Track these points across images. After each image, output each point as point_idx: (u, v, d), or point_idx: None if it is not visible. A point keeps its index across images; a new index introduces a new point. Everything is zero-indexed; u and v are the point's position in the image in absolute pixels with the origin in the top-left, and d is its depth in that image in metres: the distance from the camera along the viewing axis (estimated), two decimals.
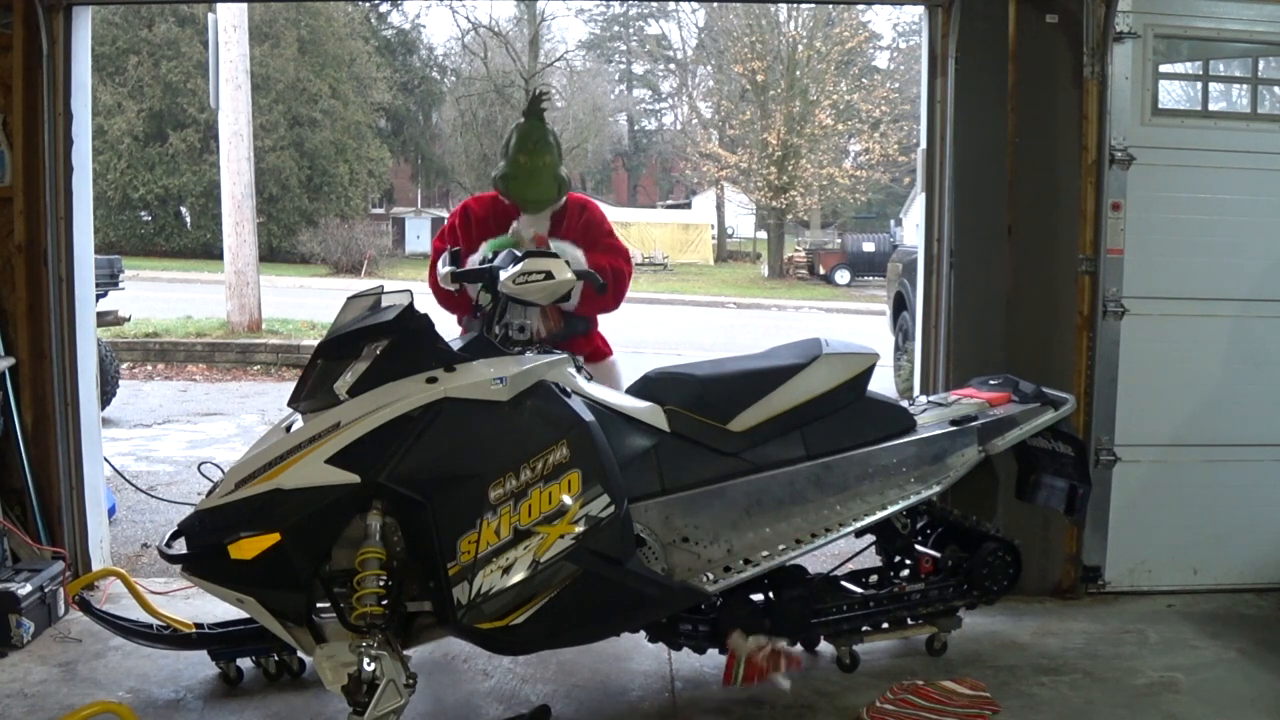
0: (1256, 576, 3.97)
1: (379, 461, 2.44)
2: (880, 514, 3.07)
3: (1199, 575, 3.97)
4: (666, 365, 3.12)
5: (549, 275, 2.78)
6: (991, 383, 3.43)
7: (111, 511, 4.43)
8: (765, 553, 2.93)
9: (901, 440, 3.12)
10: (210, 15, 11.61)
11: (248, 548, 2.42)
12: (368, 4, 30.58)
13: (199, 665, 3.21)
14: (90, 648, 3.36)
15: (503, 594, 2.50)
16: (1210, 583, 3.96)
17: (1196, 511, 3.94)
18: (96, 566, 3.90)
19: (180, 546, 2.61)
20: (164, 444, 6.96)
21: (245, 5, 12.54)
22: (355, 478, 2.42)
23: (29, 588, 3.37)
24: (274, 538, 2.42)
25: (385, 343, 2.58)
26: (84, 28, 3.87)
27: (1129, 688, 3.13)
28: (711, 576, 2.87)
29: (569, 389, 2.75)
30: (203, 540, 2.53)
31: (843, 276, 25.85)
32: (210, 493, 2.58)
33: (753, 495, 2.95)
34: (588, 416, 2.69)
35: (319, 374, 2.62)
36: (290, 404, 2.72)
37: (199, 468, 5.50)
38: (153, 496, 5.28)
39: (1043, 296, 3.87)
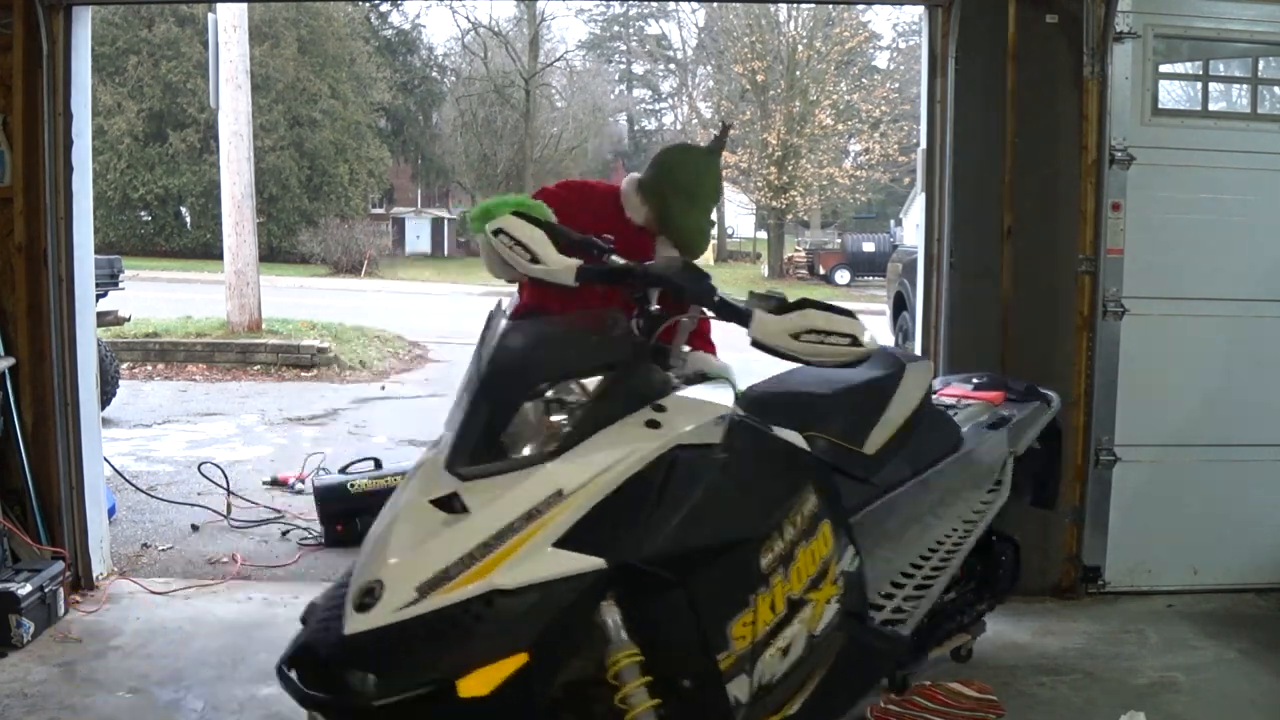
0: (1256, 576, 3.97)
1: (622, 538, 1.87)
2: (982, 526, 2.86)
3: (1199, 575, 3.96)
4: (758, 383, 2.71)
5: (854, 341, 2.07)
6: (976, 381, 3.33)
7: (111, 511, 4.43)
8: (896, 584, 2.66)
9: (969, 448, 2.90)
10: (210, 15, 11.60)
11: (484, 680, 1.72)
12: (368, 4, 30.58)
13: (199, 665, 3.21)
14: (90, 648, 3.36)
15: (784, 681, 2.09)
16: (1210, 583, 3.95)
17: (1196, 511, 3.93)
18: (97, 566, 3.90)
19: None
20: (164, 444, 6.95)
21: (245, 5, 12.53)
22: (599, 562, 1.82)
23: (29, 588, 3.37)
24: (520, 659, 1.74)
25: (603, 380, 1.98)
26: (84, 28, 3.87)
27: (1129, 688, 3.12)
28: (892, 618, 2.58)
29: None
30: (383, 670, 1.71)
31: (843, 276, 25.89)
32: (363, 607, 1.75)
33: (880, 522, 2.62)
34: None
35: (490, 423, 1.94)
36: (451, 468, 1.91)
37: (199, 468, 5.56)
38: (153, 496, 5.30)
39: (1043, 296, 3.87)
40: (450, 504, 1.86)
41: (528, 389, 1.95)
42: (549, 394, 1.95)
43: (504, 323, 2.09)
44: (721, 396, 2.17)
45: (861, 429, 2.55)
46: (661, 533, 1.89)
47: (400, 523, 1.88)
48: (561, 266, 2.24)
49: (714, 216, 2.96)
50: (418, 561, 1.78)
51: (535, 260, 2.24)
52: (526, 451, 1.91)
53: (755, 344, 2.14)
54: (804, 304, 2.16)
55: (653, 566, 1.87)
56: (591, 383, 1.96)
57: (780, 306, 2.15)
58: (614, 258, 2.35)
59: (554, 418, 1.94)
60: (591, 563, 1.81)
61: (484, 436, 1.92)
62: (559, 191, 2.92)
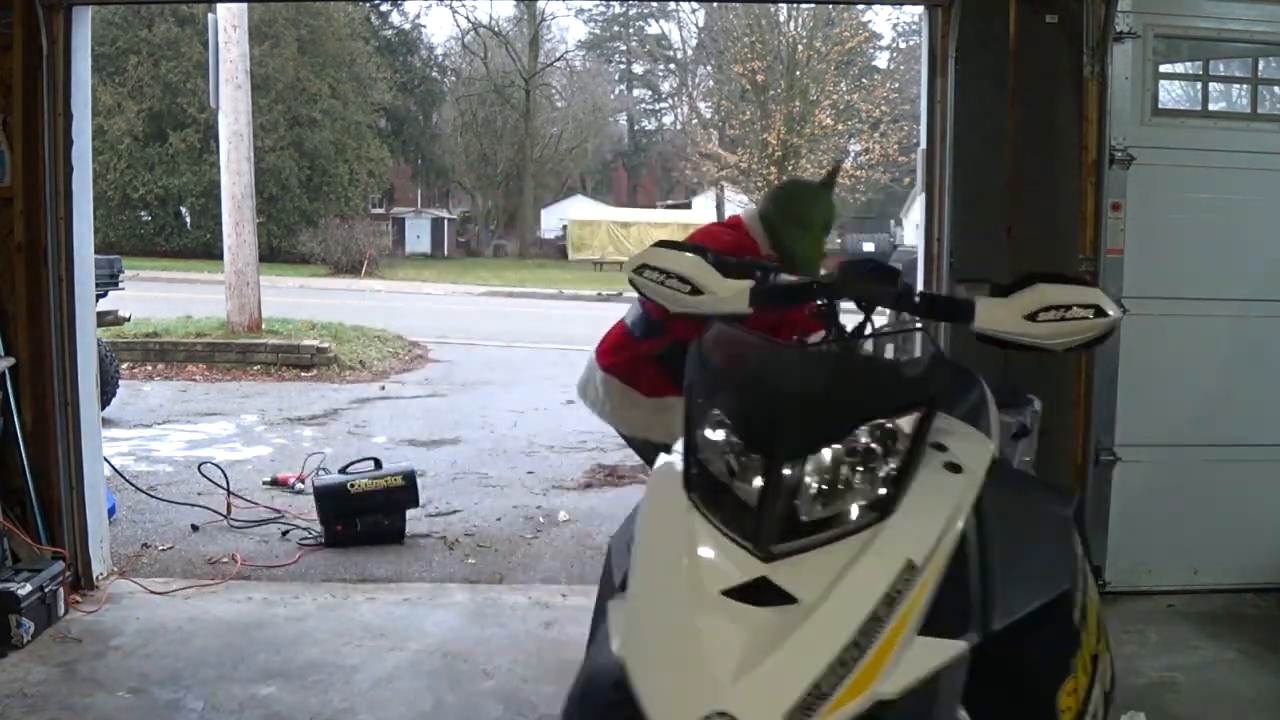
0: (1256, 576, 3.97)
1: (970, 612, 1.54)
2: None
3: (1199, 575, 3.96)
4: None
5: (1099, 311, 1.78)
6: None
7: (111, 511, 4.43)
8: None
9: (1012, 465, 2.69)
10: (210, 15, 11.61)
11: None
12: (368, 4, 30.58)
13: (199, 665, 3.22)
14: (90, 648, 3.36)
15: None
16: (1210, 583, 3.95)
17: (1196, 511, 3.93)
18: (97, 567, 3.90)
19: None
20: (164, 444, 6.95)
21: (245, 5, 12.53)
22: (963, 646, 1.49)
23: (29, 588, 3.37)
24: None
25: (919, 419, 1.59)
26: (84, 28, 3.87)
27: (1129, 688, 3.12)
28: None
29: None
30: None
31: None
32: None
33: None
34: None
35: (792, 483, 1.53)
36: (763, 549, 1.50)
37: (199, 468, 5.56)
38: (153, 496, 5.30)
39: None
40: (749, 593, 1.47)
41: (830, 436, 1.55)
42: (874, 437, 1.57)
43: (747, 346, 1.73)
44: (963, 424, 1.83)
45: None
46: (1001, 600, 1.56)
47: (709, 627, 1.44)
48: (730, 293, 1.93)
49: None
50: (771, 679, 1.37)
51: (696, 290, 1.94)
52: (823, 513, 1.52)
53: (982, 337, 1.86)
54: (1030, 279, 1.84)
55: (996, 641, 1.55)
56: (904, 422, 1.57)
57: (1002, 288, 1.86)
58: (783, 276, 2.06)
59: (861, 468, 1.56)
60: (957, 647, 1.47)
61: (781, 504, 1.51)
62: (737, 238, 3.07)
